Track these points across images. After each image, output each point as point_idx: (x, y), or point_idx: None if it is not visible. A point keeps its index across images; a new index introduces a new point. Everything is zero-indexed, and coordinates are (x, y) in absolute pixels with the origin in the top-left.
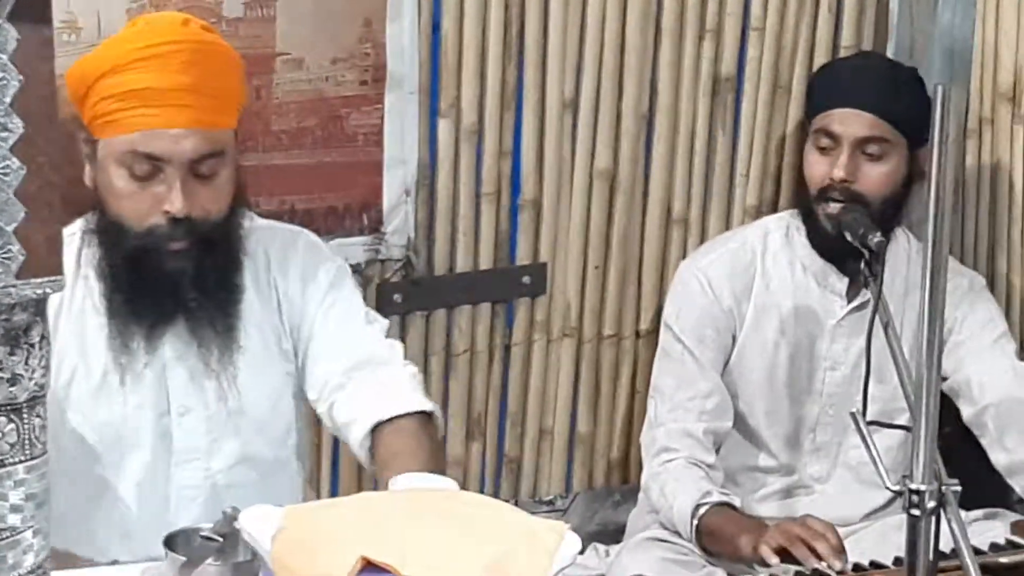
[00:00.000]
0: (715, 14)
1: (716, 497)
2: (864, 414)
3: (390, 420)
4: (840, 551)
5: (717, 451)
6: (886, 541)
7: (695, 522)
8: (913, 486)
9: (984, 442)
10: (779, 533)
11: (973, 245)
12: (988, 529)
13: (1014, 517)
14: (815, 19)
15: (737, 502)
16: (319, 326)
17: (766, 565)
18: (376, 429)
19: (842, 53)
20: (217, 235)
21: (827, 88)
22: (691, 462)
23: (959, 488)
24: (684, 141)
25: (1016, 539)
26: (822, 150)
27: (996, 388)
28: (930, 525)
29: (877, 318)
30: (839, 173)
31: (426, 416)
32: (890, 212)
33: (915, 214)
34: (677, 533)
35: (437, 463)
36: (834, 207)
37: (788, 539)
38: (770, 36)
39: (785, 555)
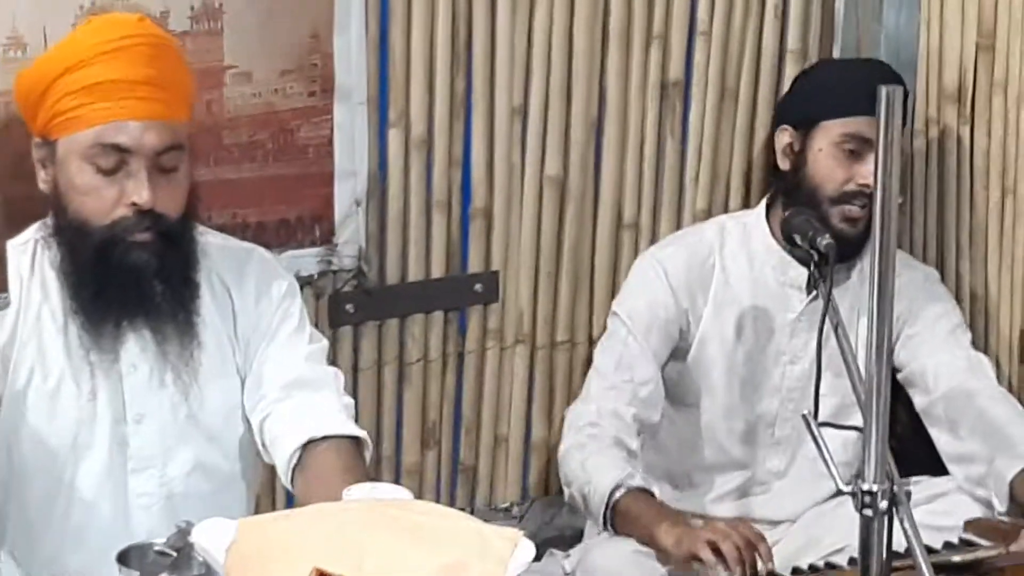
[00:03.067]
0: (662, 19)
1: (639, 481)
2: (816, 415)
3: (322, 439)
4: (767, 559)
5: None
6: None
7: (611, 500)
8: (865, 487)
9: (933, 432)
10: (713, 532)
11: (922, 245)
12: (928, 488)
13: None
14: (761, 23)
15: (658, 492)
16: (267, 340)
17: (699, 560)
18: (306, 446)
19: (788, 57)
20: (177, 230)
21: (854, 92)
22: (616, 442)
23: (911, 489)
24: (633, 146)
25: (969, 537)
26: (850, 153)
27: (950, 378)
28: (883, 525)
29: (828, 319)
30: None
31: (356, 442)
32: None
33: None
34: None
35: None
36: (858, 211)
37: (722, 537)
38: (717, 40)
39: (717, 554)
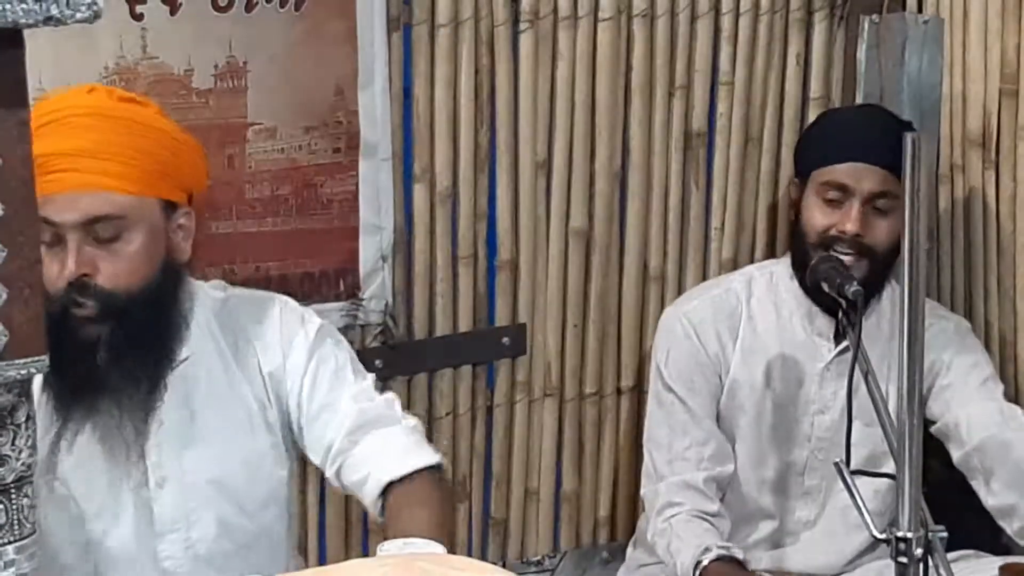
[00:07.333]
0: (684, 70)
1: (715, 552)
2: (848, 463)
3: (401, 479)
4: None
5: (723, 497)
6: None
7: None
8: (900, 533)
9: (974, 484)
10: None
11: (949, 291)
12: (975, 569)
13: (992, 558)
14: (783, 72)
15: (740, 554)
16: (309, 390)
17: None
18: (387, 488)
19: (811, 105)
20: (121, 306)
21: (834, 141)
22: (694, 515)
23: (945, 534)
24: (658, 197)
25: None
26: (829, 202)
27: (983, 430)
28: (918, 572)
29: (857, 367)
30: (852, 228)
31: (435, 468)
32: (892, 259)
33: None
34: None
35: (448, 515)
36: (845, 258)
37: None
38: (739, 90)
39: None
